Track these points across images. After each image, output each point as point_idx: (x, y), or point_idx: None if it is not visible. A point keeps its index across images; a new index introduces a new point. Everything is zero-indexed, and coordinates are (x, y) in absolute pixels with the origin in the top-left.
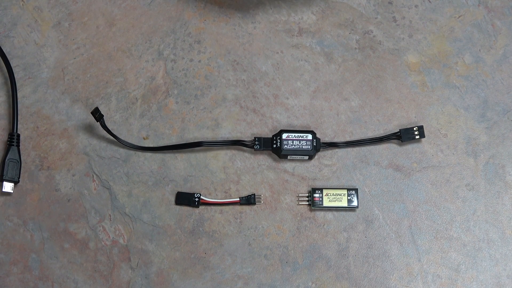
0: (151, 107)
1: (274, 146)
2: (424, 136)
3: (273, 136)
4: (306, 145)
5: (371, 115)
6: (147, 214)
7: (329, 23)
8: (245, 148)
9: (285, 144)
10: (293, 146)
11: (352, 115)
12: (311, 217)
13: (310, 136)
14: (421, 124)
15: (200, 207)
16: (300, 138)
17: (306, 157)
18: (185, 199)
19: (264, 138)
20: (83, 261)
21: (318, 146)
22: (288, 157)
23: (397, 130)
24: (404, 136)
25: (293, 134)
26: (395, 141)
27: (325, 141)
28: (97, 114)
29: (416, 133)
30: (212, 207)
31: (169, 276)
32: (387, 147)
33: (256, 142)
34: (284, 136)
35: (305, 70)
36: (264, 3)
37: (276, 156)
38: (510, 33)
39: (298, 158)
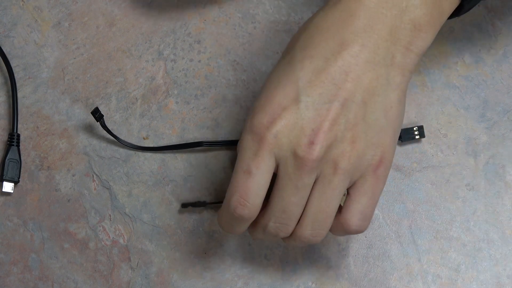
0: (151, 107)
1: None
2: (424, 136)
3: None
4: None
5: None
6: (147, 214)
7: None
8: None
9: None
10: None
11: None
12: None
13: None
14: (421, 124)
15: (200, 207)
16: None
17: None
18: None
19: None
20: (83, 261)
21: None
22: None
23: None
24: (404, 136)
25: None
26: None
27: None
28: (97, 114)
29: (416, 133)
30: (212, 206)
31: (169, 276)
32: None
33: None
34: None
35: None
36: (264, 3)
37: None
38: (510, 33)
39: None
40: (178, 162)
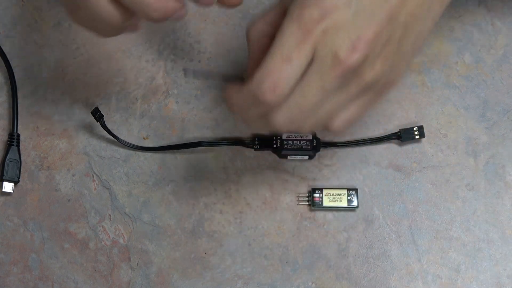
0: (151, 107)
1: (274, 146)
2: (424, 136)
3: (273, 136)
4: (306, 145)
5: (371, 115)
6: (147, 214)
7: None
8: (245, 148)
9: (285, 144)
10: (293, 146)
11: None
12: (311, 217)
13: (310, 136)
14: (421, 124)
15: (200, 207)
16: (300, 138)
17: (306, 157)
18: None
19: (264, 138)
20: (83, 261)
21: (318, 146)
22: (288, 157)
23: (397, 130)
24: (404, 136)
25: (293, 134)
26: (395, 141)
27: (325, 141)
28: (97, 114)
29: (416, 133)
30: (212, 206)
31: (169, 276)
32: (387, 147)
33: (256, 142)
34: (284, 136)
35: None
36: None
37: (276, 156)
38: (510, 33)
39: (298, 158)
40: (178, 162)
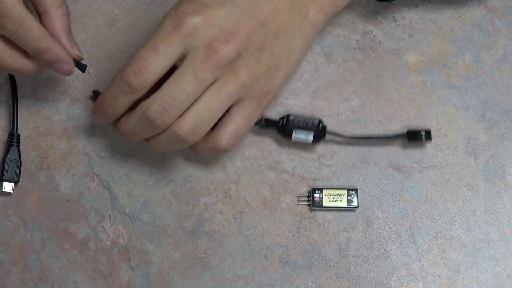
0: None
1: (280, 124)
2: (431, 139)
3: (280, 117)
4: (312, 125)
5: (371, 115)
6: (147, 214)
7: (328, 23)
8: (244, 148)
9: (292, 121)
10: (299, 124)
11: (352, 115)
12: (311, 217)
13: (317, 121)
14: (428, 128)
15: (200, 207)
16: (307, 120)
17: (311, 139)
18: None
19: (271, 119)
20: (83, 261)
21: (324, 132)
22: (293, 137)
23: (405, 131)
24: (411, 138)
25: (300, 117)
26: (395, 141)
27: (331, 131)
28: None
29: (423, 137)
30: (212, 206)
31: (169, 276)
32: (387, 147)
33: (263, 121)
34: (291, 117)
35: (305, 70)
36: None
37: (276, 156)
38: (510, 33)
39: (302, 139)
40: (178, 162)
